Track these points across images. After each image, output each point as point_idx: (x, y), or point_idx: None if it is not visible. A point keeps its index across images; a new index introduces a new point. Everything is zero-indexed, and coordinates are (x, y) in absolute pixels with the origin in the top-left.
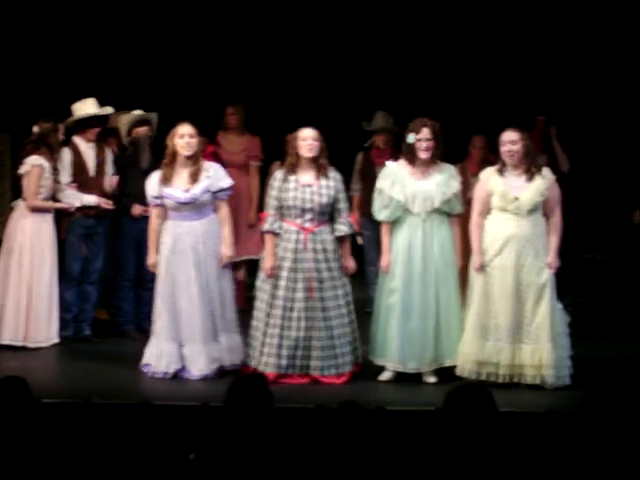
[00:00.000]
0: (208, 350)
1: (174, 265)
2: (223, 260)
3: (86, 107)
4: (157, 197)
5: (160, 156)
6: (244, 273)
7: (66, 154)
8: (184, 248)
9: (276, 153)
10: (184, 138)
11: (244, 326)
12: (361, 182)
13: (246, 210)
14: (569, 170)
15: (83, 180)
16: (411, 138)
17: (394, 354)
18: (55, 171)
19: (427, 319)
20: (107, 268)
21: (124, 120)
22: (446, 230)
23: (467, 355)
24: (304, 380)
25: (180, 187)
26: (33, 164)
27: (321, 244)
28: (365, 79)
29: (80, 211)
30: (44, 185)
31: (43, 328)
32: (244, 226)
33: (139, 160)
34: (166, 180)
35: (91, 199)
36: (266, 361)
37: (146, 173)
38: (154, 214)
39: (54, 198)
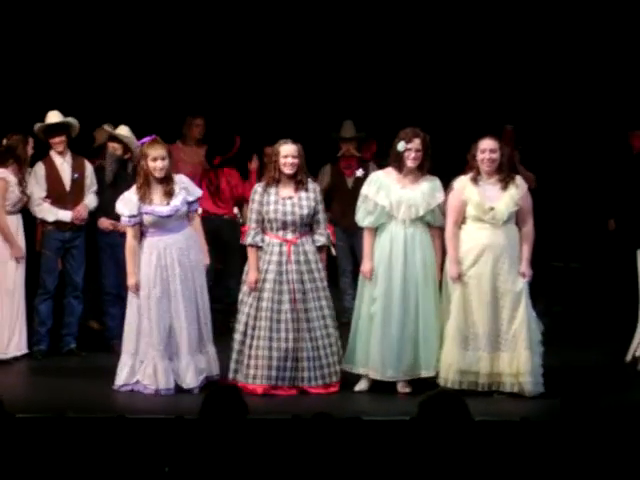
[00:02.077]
0: (196, 362)
1: (162, 280)
2: (204, 269)
3: (47, 118)
4: (135, 216)
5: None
6: None
7: (40, 168)
8: (170, 261)
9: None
10: (157, 162)
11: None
12: (331, 194)
13: None
14: (536, 187)
15: (58, 195)
16: (401, 146)
17: (375, 362)
18: (22, 184)
19: (406, 328)
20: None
21: (104, 132)
22: (428, 241)
23: (449, 365)
24: (292, 392)
25: (159, 203)
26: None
27: (304, 255)
28: (330, 89)
29: (54, 225)
30: (9, 198)
31: (5, 339)
32: None
33: (104, 174)
34: (144, 199)
35: (66, 215)
36: (254, 374)
37: (111, 187)
38: (131, 234)
39: (24, 211)
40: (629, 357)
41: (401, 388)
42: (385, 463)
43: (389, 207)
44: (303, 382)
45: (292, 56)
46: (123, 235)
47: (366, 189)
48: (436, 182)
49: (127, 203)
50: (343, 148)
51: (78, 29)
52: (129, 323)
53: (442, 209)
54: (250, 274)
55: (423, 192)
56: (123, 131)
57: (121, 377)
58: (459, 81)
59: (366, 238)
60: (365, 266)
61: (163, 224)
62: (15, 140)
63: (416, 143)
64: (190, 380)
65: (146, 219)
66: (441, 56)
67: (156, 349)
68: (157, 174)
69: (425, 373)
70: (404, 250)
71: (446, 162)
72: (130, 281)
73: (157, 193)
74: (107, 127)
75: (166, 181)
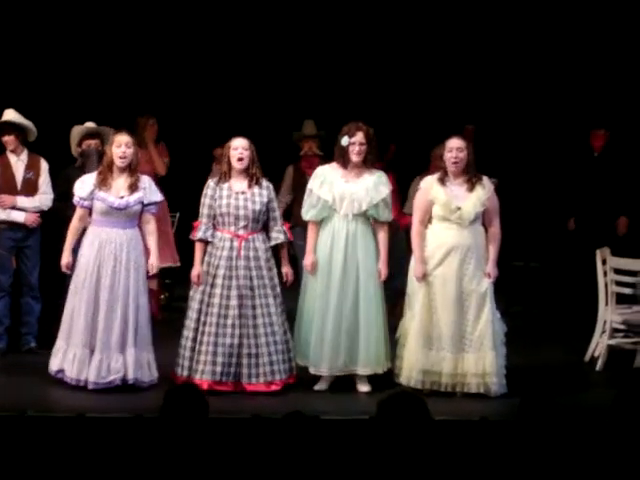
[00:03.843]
0: (108, 360)
1: (96, 270)
2: (153, 270)
3: (3, 116)
4: (84, 199)
5: None
6: (157, 282)
7: None
8: (107, 254)
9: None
10: (120, 147)
11: (161, 336)
12: (293, 193)
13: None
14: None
15: (8, 192)
16: (344, 141)
17: (311, 356)
18: None
19: (342, 324)
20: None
21: (75, 132)
22: (370, 236)
23: (412, 364)
24: (238, 388)
25: (114, 194)
26: None
27: (254, 252)
28: (290, 89)
29: (7, 224)
30: None
31: None
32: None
33: (87, 171)
34: (102, 185)
35: (19, 216)
36: (202, 369)
37: None
38: (78, 215)
39: None
40: (588, 356)
41: (360, 387)
42: (344, 462)
43: (332, 201)
44: (244, 379)
45: (255, 57)
46: None
47: (311, 183)
48: (381, 177)
49: (82, 185)
50: (305, 147)
51: (61, 30)
52: (66, 307)
53: (388, 204)
54: (194, 269)
55: (367, 187)
56: (91, 125)
57: (55, 362)
58: (421, 81)
59: (309, 232)
60: (307, 259)
61: (110, 215)
62: None
63: (359, 137)
64: (95, 376)
65: (96, 205)
66: (402, 56)
67: (77, 337)
68: (119, 162)
69: (362, 370)
70: (345, 245)
71: (410, 162)
72: (63, 261)
73: (118, 183)
74: (77, 128)
75: (130, 173)
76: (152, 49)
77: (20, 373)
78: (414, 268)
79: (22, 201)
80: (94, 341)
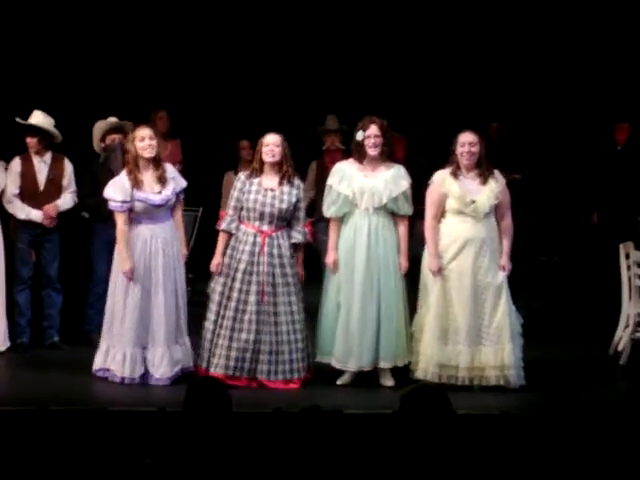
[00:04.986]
0: (171, 353)
1: (145, 268)
2: (183, 259)
3: (30, 117)
4: (127, 202)
5: None
6: None
7: (16, 164)
8: (155, 251)
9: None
10: (144, 141)
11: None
12: (316, 188)
13: None
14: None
15: (30, 193)
16: (359, 135)
17: (338, 352)
18: None
19: (367, 319)
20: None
21: (98, 127)
22: (392, 230)
23: (428, 358)
24: (252, 384)
25: (150, 190)
26: None
27: (277, 249)
28: (313, 84)
29: (25, 223)
30: None
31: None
32: None
33: (112, 167)
34: (137, 184)
35: (37, 215)
36: (216, 362)
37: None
38: (123, 220)
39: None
40: (612, 350)
41: (384, 382)
42: (367, 457)
43: (352, 196)
44: (262, 375)
45: (278, 52)
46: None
47: (330, 179)
48: (400, 170)
49: (119, 188)
50: (327, 141)
51: (79, 26)
52: (109, 308)
53: (407, 197)
54: (214, 258)
55: (386, 180)
56: (114, 119)
57: (97, 361)
58: (445, 77)
59: (331, 229)
60: (329, 257)
61: (152, 213)
62: None
63: (374, 129)
64: (164, 370)
65: (137, 206)
66: (428, 53)
67: (127, 337)
68: (146, 154)
69: (383, 364)
70: (367, 240)
71: (434, 157)
72: (125, 266)
73: (148, 178)
74: (100, 123)
75: (156, 165)
76: (173, 43)
77: (43, 367)
78: (429, 262)
79: (61, 204)
80: (149, 337)
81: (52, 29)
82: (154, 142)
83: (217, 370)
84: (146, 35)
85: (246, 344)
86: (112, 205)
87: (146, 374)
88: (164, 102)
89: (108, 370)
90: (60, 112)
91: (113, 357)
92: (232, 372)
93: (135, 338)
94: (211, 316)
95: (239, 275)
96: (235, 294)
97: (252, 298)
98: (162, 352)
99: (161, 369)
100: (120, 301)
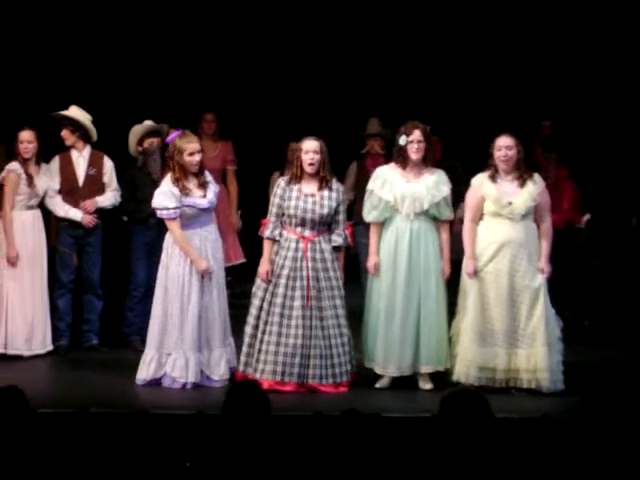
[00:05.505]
0: (225, 354)
1: (197, 272)
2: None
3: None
4: (179, 208)
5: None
6: None
7: (55, 161)
8: (205, 255)
9: (276, 162)
10: (194, 156)
11: None
12: (356, 190)
13: (225, 216)
14: None
15: (70, 189)
16: (402, 140)
17: (379, 357)
18: (28, 179)
19: (408, 323)
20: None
21: (135, 130)
22: (434, 235)
23: (467, 361)
24: (301, 389)
25: (196, 195)
26: (9, 170)
27: (320, 253)
28: (357, 86)
29: (66, 222)
30: (21, 193)
31: (39, 335)
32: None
33: (150, 170)
34: (184, 191)
35: (76, 215)
36: (262, 368)
37: (157, 182)
38: (178, 226)
39: (41, 205)
40: None
41: (423, 385)
42: (406, 460)
43: (393, 201)
44: (314, 379)
45: (321, 53)
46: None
47: (371, 184)
48: (441, 175)
49: (169, 196)
50: (368, 145)
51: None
52: (157, 316)
53: (449, 202)
54: (263, 266)
55: (428, 186)
56: (151, 123)
57: (147, 371)
58: (497, 78)
59: (371, 233)
60: (370, 261)
61: (200, 217)
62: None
63: (417, 135)
64: (223, 371)
65: (186, 212)
66: (475, 55)
67: (189, 342)
68: (193, 168)
69: (425, 369)
70: (409, 245)
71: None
72: (202, 265)
73: (192, 185)
74: (137, 127)
75: (199, 173)
76: (218, 46)
77: (82, 370)
78: (465, 265)
79: (100, 200)
80: (206, 340)
81: (98, 31)
82: (201, 155)
83: (265, 376)
84: (196, 38)
85: (294, 349)
86: (164, 213)
87: (202, 376)
88: (209, 104)
89: (163, 377)
90: (105, 114)
91: (173, 364)
92: (281, 377)
93: (197, 342)
94: (252, 321)
95: (282, 281)
96: (279, 299)
97: (297, 303)
98: (219, 354)
99: (220, 371)
100: (177, 306)
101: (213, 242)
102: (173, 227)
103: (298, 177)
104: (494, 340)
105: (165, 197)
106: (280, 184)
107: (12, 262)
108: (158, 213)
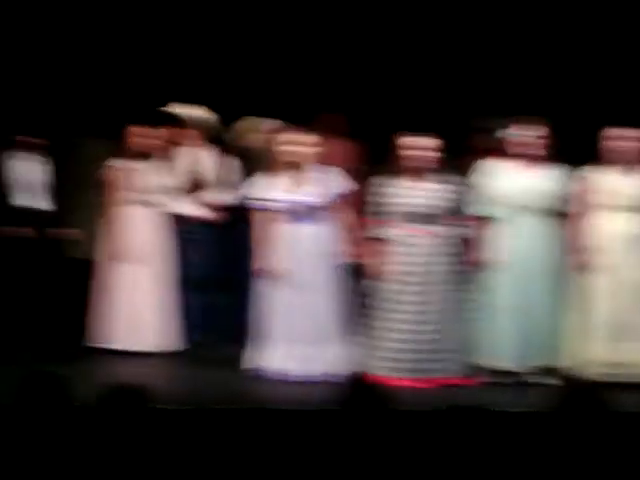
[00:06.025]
0: (341, 350)
1: (299, 266)
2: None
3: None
4: (267, 200)
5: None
6: None
7: (182, 158)
8: (300, 250)
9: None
10: (287, 146)
11: None
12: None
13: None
14: None
15: (195, 187)
16: (519, 134)
17: (496, 352)
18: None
19: (525, 319)
20: None
21: (239, 126)
22: (551, 230)
23: (592, 357)
24: (428, 384)
25: (289, 190)
26: (111, 166)
27: (436, 248)
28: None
29: (186, 221)
30: (130, 188)
31: (172, 333)
32: None
33: (255, 168)
34: (274, 185)
35: (200, 211)
36: (392, 366)
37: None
38: (264, 218)
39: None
40: None
41: (536, 380)
42: (522, 455)
43: (508, 196)
44: (444, 373)
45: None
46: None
47: (485, 178)
48: (559, 169)
49: (259, 187)
50: (478, 140)
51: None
52: (261, 308)
53: (566, 196)
54: (373, 266)
55: (543, 180)
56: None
57: (251, 361)
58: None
59: (484, 228)
60: (484, 256)
61: (294, 212)
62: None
63: (535, 129)
64: (338, 367)
65: (277, 206)
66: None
67: (291, 334)
68: (286, 157)
69: (538, 363)
70: (526, 239)
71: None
72: (262, 264)
73: (287, 180)
74: (242, 123)
75: (298, 168)
76: (346, 49)
77: (192, 366)
78: (577, 259)
79: (221, 196)
80: (318, 334)
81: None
82: (299, 149)
83: (392, 373)
84: (319, 42)
85: (421, 345)
86: (253, 204)
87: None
88: (339, 104)
89: (266, 368)
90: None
91: (272, 356)
92: (409, 374)
93: (304, 335)
94: (373, 320)
95: (401, 278)
96: (401, 297)
97: (419, 299)
98: (334, 350)
99: (334, 366)
100: (281, 299)
101: (312, 238)
102: (258, 218)
103: (403, 172)
104: (621, 335)
105: (254, 188)
106: (385, 182)
107: (116, 258)
108: (248, 203)
